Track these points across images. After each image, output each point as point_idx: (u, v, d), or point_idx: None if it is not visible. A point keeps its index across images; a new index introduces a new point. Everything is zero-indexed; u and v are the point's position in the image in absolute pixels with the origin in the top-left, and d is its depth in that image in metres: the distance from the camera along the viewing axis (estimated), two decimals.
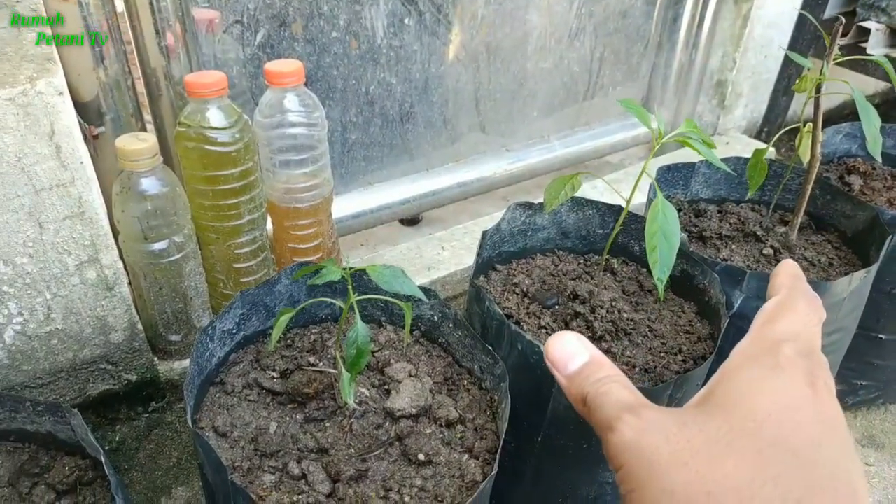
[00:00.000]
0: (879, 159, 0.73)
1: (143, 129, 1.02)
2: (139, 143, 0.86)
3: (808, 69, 0.76)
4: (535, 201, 0.84)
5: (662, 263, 0.59)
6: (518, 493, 0.77)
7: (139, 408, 1.00)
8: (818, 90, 0.76)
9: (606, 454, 0.32)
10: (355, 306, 0.52)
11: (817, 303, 0.36)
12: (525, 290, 0.80)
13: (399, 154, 1.34)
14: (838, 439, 0.29)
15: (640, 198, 0.86)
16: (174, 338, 1.01)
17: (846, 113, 2.10)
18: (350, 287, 0.53)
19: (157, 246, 0.92)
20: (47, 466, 0.60)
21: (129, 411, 0.98)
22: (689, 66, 1.66)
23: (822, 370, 0.32)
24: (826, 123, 1.07)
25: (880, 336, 1.00)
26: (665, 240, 0.60)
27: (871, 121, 0.71)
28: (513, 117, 1.47)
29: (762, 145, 1.68)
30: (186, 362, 1.03)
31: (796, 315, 0.34)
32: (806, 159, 0.85)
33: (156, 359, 1.00)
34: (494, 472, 0.55)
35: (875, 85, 2.10)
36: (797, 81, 0.80)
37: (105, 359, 0.92)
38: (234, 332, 0.68)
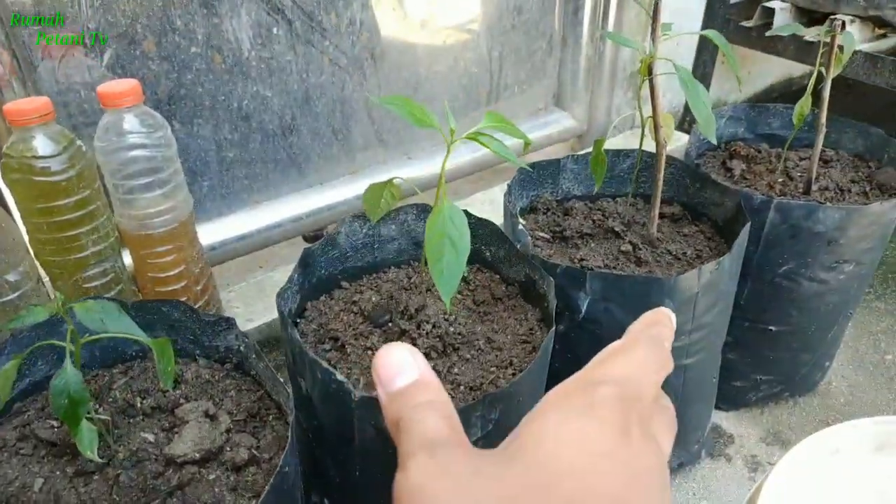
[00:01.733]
0: (714, 141, 0.68)
1: None
2: None
3: (638, 50, 0.71)
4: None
5: (449, 275, 0.53)
6: None
7: None
8: (650, 72, 0.71)
9: (394, 495, 0.27)
10: (68, 350, 0.46)
11: (662, 354, 0.32)
12: (363, 308, 0.75)
13: (286, 169, 1.28)
14: (649, 495, 0.25)
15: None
16: None
17: (774, 96, 2.06)
18: (70, 327, 0.47)
19: None
20: None
21: None
22: (599, 60, 1.61)
23: (645, 418, 0.28)
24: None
25: (770, 328, 0.95)
26: (452, 247, 0.54)
27: (699, 99, 0.66)
28: (412, 125, 1.41)
29: (685, 136, 1.64)
30: None
31: (630, 360, 0.30)
32: (651, 143, 0.80)
33: None
34: None
35: (802, 67, 2.06)
36: (640, 65, 0.75)
37: None
38: (14, 380, 0.61)
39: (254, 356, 0.64)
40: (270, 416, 0.63)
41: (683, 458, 0.99)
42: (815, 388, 1.11)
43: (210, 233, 1.21)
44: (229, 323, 0.64)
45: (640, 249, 0.80)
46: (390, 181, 0.67)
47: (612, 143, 1.64)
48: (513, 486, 0.25)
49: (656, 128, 0.74)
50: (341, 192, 1.36)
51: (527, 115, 1.60)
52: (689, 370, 0.80)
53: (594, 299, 0.71)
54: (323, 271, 0.77)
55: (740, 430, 1.05)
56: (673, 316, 0.35)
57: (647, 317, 0.35)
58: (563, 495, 0.24)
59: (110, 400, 0.61)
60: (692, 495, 0.98)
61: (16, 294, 0.89)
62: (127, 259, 1.02)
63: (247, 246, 1.26)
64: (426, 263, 0.57)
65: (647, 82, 0.72)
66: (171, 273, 1.03)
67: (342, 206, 1.36)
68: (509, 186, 0.86)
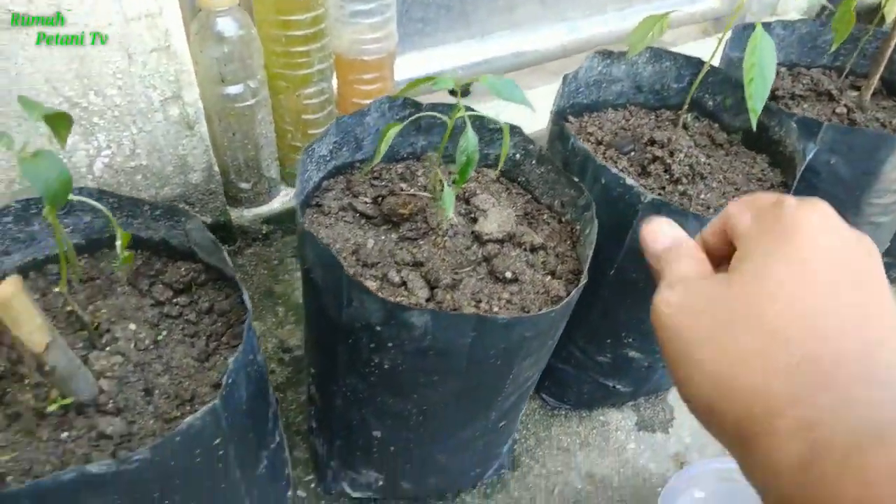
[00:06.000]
0: None
1: None
2: None
3: None
4: (616, 50, 0.84)
5: (757, 95, 0.60)
6: (583, 326, 0.82)
7: None
8: None
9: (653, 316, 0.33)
10: (466, 118, 0.54)
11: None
12: (599, 138, 0.82)
13: (456, 17, 1.32)
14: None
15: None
16: (244, 185, 1.04)
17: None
18: (459, 97, 0.55)
19: (233, 90, 0.94)
20: (161, 270, 0.64)
21: None
22: None
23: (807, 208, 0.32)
24: None
25: None
26: (760, 72, 0.60)
27: None
28: None
29: None
30: (255, 210, 1.07)
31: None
32: (890, 18, 0.83)
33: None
34: (584, 282, 0.59)
35: None
36: None
37: (183, 198, 0.96)
38: (328, 158, 0.70)
39: (533, 161, 0.72)
40: (545, 215, 0.72)
41: None
42: None
43: None
44: (514, 131, 0.72)
45: (853, 112, 0.86)
46: (665, 14, 0.72)
47: None
48: (733, 313, 0.30)
49: None
50: (500, 46, 1.40)
51: None
52: (881, 228, 0.88)
53: (821, 150, 0.78)
54: (563, 101, 0.83)
55: None
56: None
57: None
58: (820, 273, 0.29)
59: (419, 185, 0.70)
60: None
61: (254, 100, 0.97)
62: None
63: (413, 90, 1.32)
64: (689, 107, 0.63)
65: None
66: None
67: (499, 61, 1.40)
68: (727, 43, 0.91)
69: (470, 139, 0.53)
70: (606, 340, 0.81)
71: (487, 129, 0.74)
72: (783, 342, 0.29)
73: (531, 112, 0.59)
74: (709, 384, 0.30)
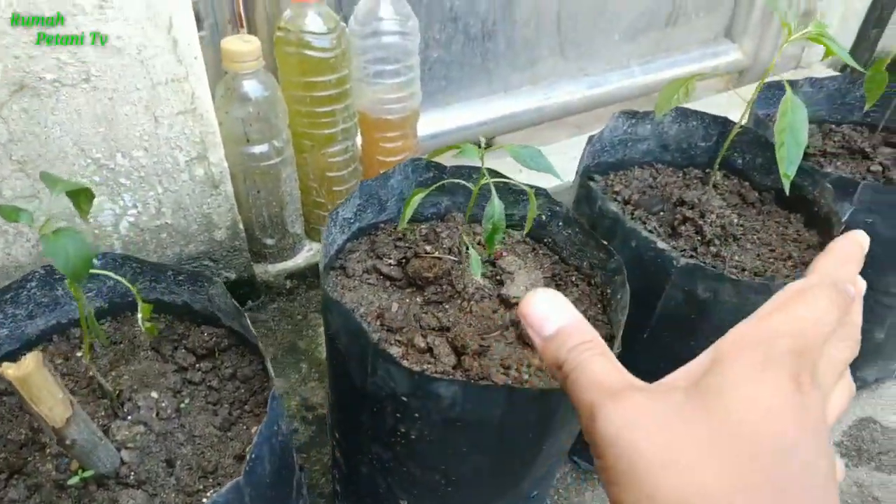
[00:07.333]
0: None
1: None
2: (244, 45, 0.88)
3: None
4: (641, 110, 0.83)
5: (789, 160, 0.59)
6: None
7: None
8: None
9: (587, 439, 0.30)
10: (492, 186, 0.53)
11: (843, 299, 0.32)
12: (627, 197, 0.81)
13: (478, 74, 1.33)
14: (814, 440, 0.28)
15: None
16: (269, 241, 1.04)
17: None
18: (483, 165, 0.54)
19: (258, 149, 0.94)
20: (184, 334, 0.63)
21: None
22: None
23: (815, 364, 0.30)
24: None
25: None
26: (792, 136, 0.59)
27: None
28: (593, 40, 1.44)
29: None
30: (280, 265, 1.07)
31: (810, 310, 0.31)
32: None
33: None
34: (617, 350, 0.57)
35: None
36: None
37: (208, 255, 0.95)
38: (351, 221, 0.70)
39: (560, 223, 0.71)
40: (573, 277, 0.70)
41: None
42: None
43: None
44: (539, 192, 0.71)
45: (889, 170, 0.84)
46: (691, 78, 0.71)
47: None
48: (704, 435, 0.28)
49: None
50: (522, 102, 1.40)
51: (697, 44, 1.61)
52: None
53: (858, 210, 0.76)
54: (588, 161, 0.82)
55: None
56: (866, 242, 0.35)
57: (840, 250, 0.35)
58: (746, 445, 0.27)
59: (444, 247, 0.69)
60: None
61: (279, 159, 0.97)
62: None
63: (437, 144, 1.32)
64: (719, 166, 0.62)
65: None
66: (397, 158, 1.11)
67: (522, 115, 1.41)
68: (751, 104, 0.90)
69: (496, 208, 0.52)
70: None
71: (512, 191, 0.73)
72: (744, 487, 0.26)
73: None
74: None
